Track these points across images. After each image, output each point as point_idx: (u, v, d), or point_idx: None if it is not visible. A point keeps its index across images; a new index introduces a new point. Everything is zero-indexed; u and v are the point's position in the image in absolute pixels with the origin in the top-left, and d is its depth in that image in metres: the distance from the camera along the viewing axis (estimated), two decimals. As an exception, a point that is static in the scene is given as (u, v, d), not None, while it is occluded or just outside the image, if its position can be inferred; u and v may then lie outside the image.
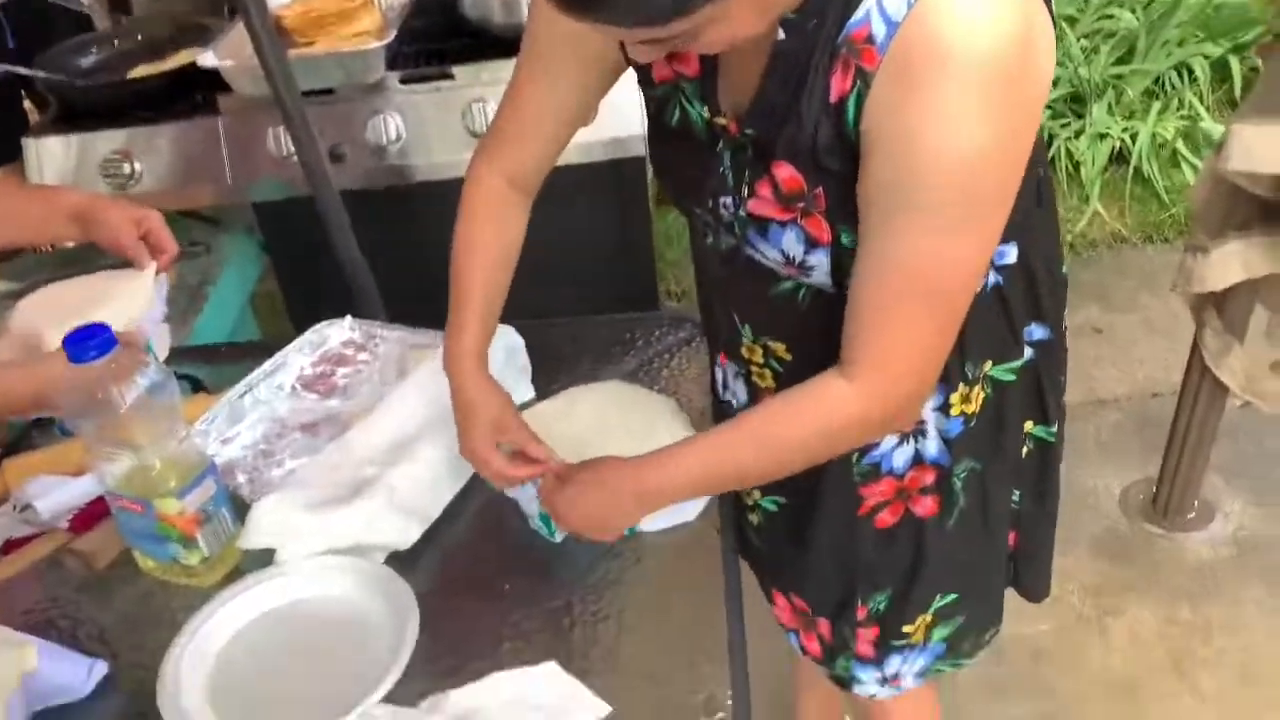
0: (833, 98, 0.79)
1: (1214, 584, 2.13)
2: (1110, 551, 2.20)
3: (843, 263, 0.87)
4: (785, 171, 0.85)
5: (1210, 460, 2.24)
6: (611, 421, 1.19)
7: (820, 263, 0.89)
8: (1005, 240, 0.95)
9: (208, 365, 1.48)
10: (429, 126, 1.97)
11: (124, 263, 1.41)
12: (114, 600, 1.12)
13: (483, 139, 1.07)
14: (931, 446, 1.04)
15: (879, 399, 0.87)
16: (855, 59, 0.77)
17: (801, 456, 0.94)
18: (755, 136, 0.87)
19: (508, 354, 1.30)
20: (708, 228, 0.99)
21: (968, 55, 0.72)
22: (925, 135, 0.75)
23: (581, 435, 1.14)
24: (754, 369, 1.09)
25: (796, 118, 0.82)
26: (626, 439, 1.11)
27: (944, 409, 1.02)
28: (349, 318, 1.44)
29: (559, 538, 1.09)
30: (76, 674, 0.99)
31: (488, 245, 1.06)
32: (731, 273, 1.02)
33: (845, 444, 0.97)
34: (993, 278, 0.97)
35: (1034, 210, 0.96)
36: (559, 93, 1.00)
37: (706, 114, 0.91)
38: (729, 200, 0.91)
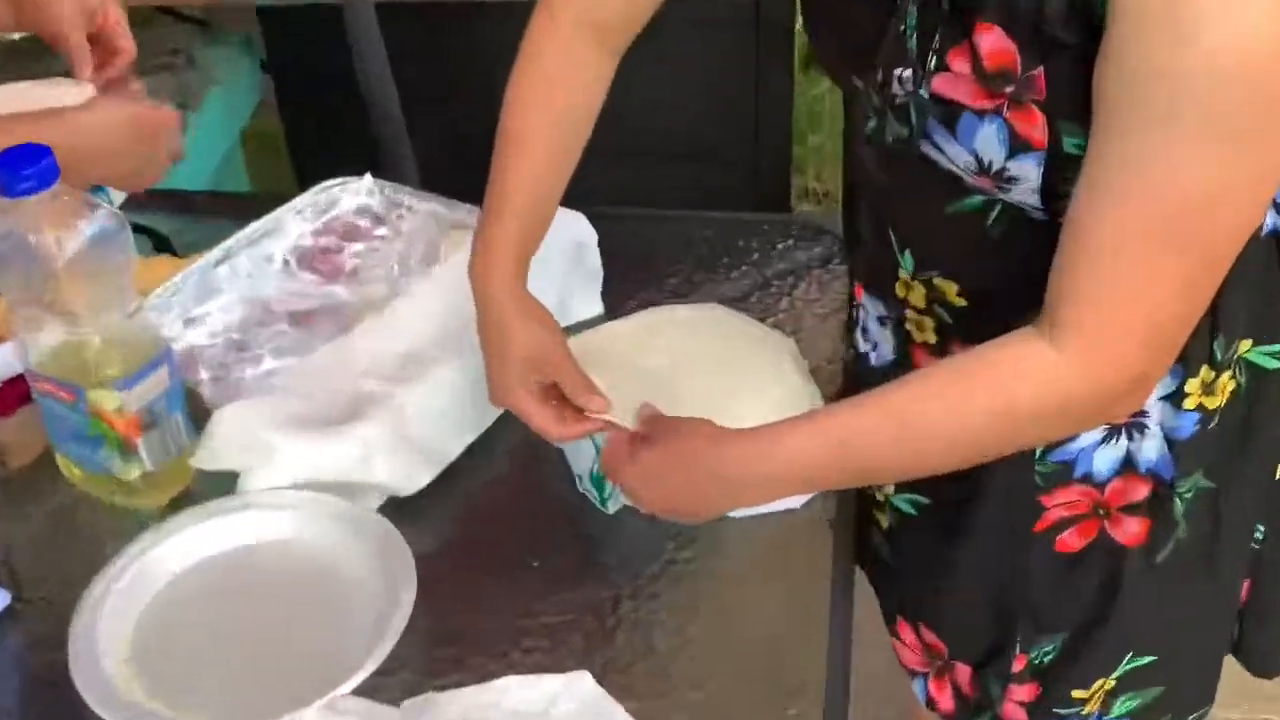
0: None
1: None
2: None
3: (1061, 178, 0.85)
4: (992, 39, 0.83)
5: None
6: (702, 361, 1.18)
7: (1028, 174, 0.87)
8: None
9: (177, 218, 1.51)
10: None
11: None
12: (26, 513, 1.17)
13: None
14: (1151, 449, 1.02)
15: (1097, 378, 0.85)
16: None
17: (967, 452, 0.93)
18: None
19: (575, 251, 1.30)
20: (872, 110, 0.97)
21: None
22: (1211, 7, 0.72)
23: (657, 375, 1.14)
24: (910, 315, 1.08)
25: None
26: (718, 388, 1.10)
27: (1176, 399, 0.99)
28: (369, 176, 1.45)
29: (613, 508, 1.10)
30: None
31: (547, 115, 1.06)
32: (895, 177, 1.00)
33: (1035, 437, 0.95)
34: (1270, 220, 0.94)
35: None
36: None
37: None
38: (907, 74, 0.89)
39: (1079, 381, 0.86)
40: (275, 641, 1.02)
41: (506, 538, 1.11)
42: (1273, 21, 0.72)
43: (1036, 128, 0.84)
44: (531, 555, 1.09)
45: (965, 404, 0.89)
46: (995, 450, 0.94)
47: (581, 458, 1.10)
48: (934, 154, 0.93)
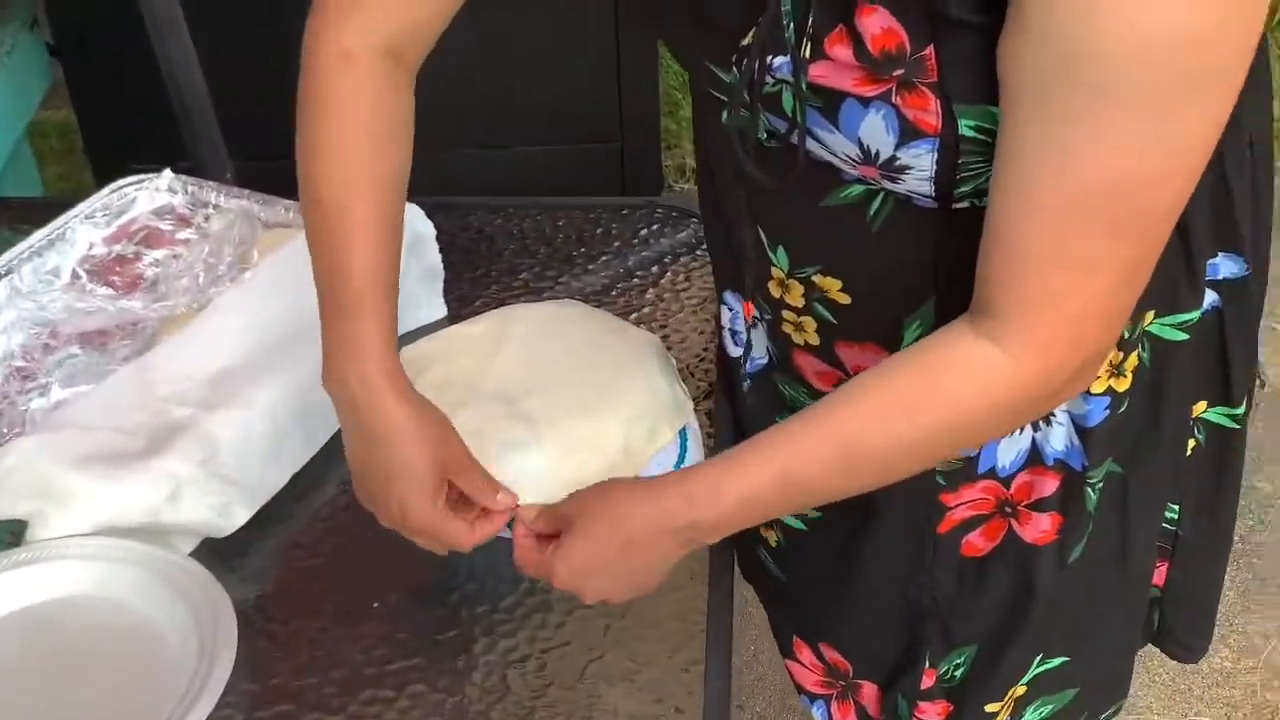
0: None
1: None
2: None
3: (955, 164, 0.86)
4: (878, 21, 0.83)
5: None
6: (558, 367, 1.18)
7: (920, 162, 0.88)
8: None
9: (-52, 229, 1.49)
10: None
11: None
12: None
13: None
14: (1058, 439, 1.04)
15: (1047, 368, 0.87)
16: None
17: (917, 466, 0.94)
18: None
19: (411, 247, 1.29)
20: (738, 102, 0.97)
21: None
22: None
23: (508, 386, 1.13)
24: (788, 316, 1.08)
25: None
26: (576, 399, 1.11)
27: None
28: (168, 172, 1.44)
29: None
30: None
31: (374, 186, 1.02)
32: (764, 172, 0.99)
33: (988, 438, 0.97)
34: None
35: (1243, 92, 0.96)
36: None
37: None
38: (781, 63, 0.90)
39: (1030, 375, 0.87)
40: (76, 714, 1.01)
41: (340, 578, 1.11)
42: None
43: (929, 112, 0.85)
44: (369, 596, 1.08)
45: (913, 424, 0.90)
46: (946, 458, 0.97)
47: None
48: (812, 145, 0.93)
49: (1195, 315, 1.03)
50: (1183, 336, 1.04)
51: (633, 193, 2.22)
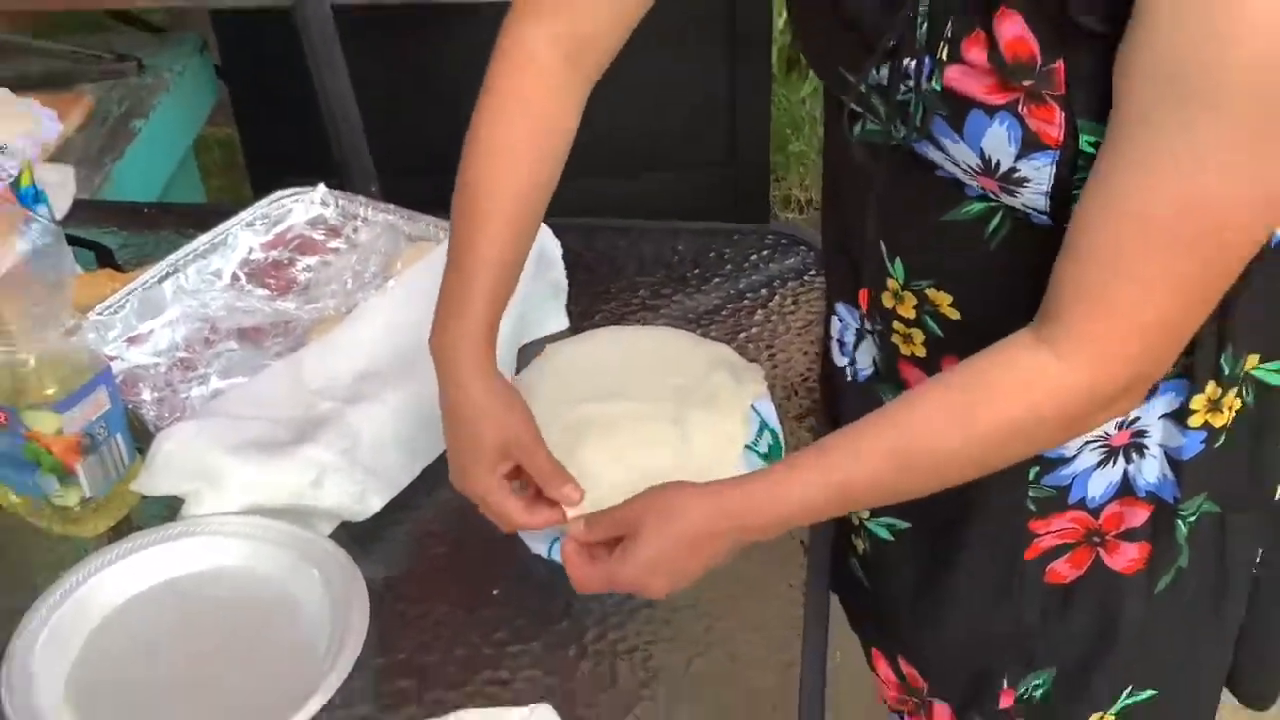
0: None
1: None
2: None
3: (1073, 180, 0.84)
4: (1013, 27, 0.80)
5: None
6: (639, 379, 1.18)
7: (1039, 175, 0.85)
8: None
9: (122, 231, 1.51)
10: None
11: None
12: (-41, 543, 1.16)
13: None
14: (1151, 471, 1.01)
15: (1099, 382, 0.85)
16: None
17: (970, 474, 0.92)
18: None
19: (538, 264, 1.30)
20: (863, 109, 0.96)
21: None
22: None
23: (589, 391, 1.15)
24: (898, 327, 1.06)
25: None
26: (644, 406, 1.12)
27: (1180, 416, 0.98)
28: (322, 186, 1.45)
29: None
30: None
31: (518, 160, 1.03)
32: (889, 182, 0.98)
33: (1039, 448, 0.94)
34: None
35: None
36: None
37: None
38: (916, 65, 0.87)
39: (1079, 381, 0.85)
40: (221, 675, 1.02)
41: (464, 565, 1.11)
42: None
43: (1053, 125, 0.83)
44: (490, 584, 1.08)
45: (968, 432, 0.88)
46: (999, 467, 0.93)
47: (540, 541, 1.08)
48: (934, 154, 0.91)
49: None
50: None
51: (742, 220, 2.21)
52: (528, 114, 1.03)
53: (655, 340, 1.25)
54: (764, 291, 1.37)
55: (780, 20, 2.58)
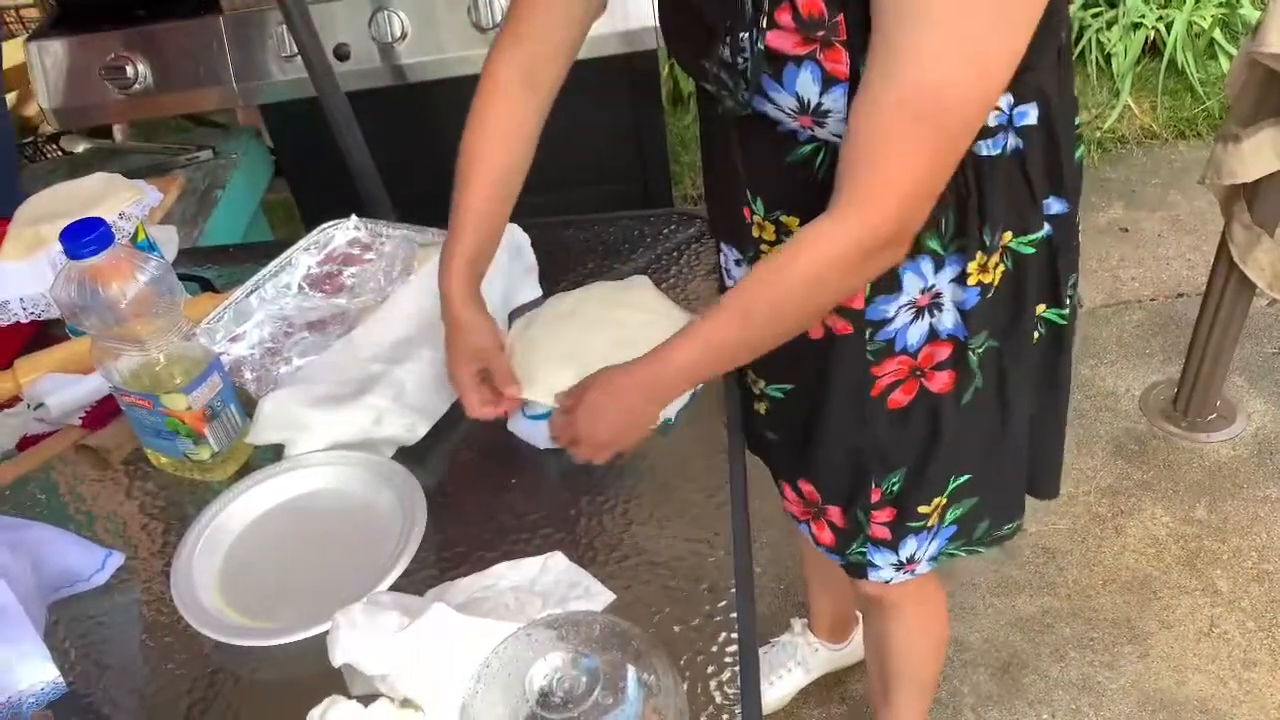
0: None
1: (1233, 484, 2.12)
2: (1128, 452, 2.19)
3: None
4: None
5: (1234, 361, 2.21)
6: (610, 314, 1.17)
7: (837, 105, 0.85)
8: (1025, 100, 0.91)
9: (216, 266, 1.49)
10: (435, 22, 1.93)
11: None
12: (130, 495, 1.14)
13: (498, 34, 1.04)
14: (947, 320, 1.02)
15: (865, 231, 0.83)
16: None
17: (793, 316, 0.90)
18: None
19: (515, 252, 1.29)
20: (721, 90, 0.95)
21: None
22: None
23: (563, 325, 1.14)
24: (765, 249, 1.06)
25: None
26: (620, 332, 1.11)
27: (961, 279, 0.99)
28: (354, 217, 1.44)
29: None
30: (90, 562, 1.01)
31: (493, 147, 1.04)
32: (746, 141, 0.98)
33: (832, 290, 0.90)
34: (1013, 140, 0.93)
35: (1054, 72, 0.93)
36: None
37: None
38: (747, 37, 0.86)
39: (853, 240, 0.84)
40: (325, 561, 1.02)
41: (489, 466, 1.10)
42: None
43: (842, 64, 0.83)
44: (509, 474, 1.08)
45: (786, 283, 0.87)
46: (813, 308, 0.92)
47: (538, 438, 1.09)
48: (768, 107, 0.90)
49: (1039, 236, 1.00)
50: (1031, 251, 1.01)
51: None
52: (497, 122, 1.04)
53: (605, 289, 1.24)
54: (674, 253, 1.37)
55: (664, 70, 2.56)
